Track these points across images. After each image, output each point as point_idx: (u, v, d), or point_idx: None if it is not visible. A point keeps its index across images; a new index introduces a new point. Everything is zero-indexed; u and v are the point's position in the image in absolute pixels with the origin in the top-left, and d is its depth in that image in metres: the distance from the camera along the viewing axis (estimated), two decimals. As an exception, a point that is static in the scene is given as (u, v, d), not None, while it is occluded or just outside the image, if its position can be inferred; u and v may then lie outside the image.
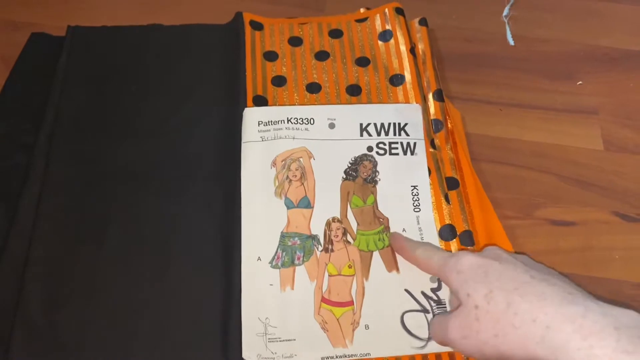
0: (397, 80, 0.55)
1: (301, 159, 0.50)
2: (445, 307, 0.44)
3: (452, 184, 0.50)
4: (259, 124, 0.51)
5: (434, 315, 0.44)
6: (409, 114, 0.53)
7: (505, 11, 0.63)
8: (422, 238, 0.47)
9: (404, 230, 0.47)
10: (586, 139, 0.56)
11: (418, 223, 0.48)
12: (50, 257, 0.46)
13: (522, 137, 0.56)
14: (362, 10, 0.60)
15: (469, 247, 0.47)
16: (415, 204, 0.48)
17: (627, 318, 0.31)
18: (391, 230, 0.47)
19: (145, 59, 0.57)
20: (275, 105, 0.53)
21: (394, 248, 0.46)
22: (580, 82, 0.59)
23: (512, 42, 0.61)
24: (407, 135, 0.51)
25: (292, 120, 0.52)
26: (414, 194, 0.49)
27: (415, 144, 0.51)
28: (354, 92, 0.54)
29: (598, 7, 0.64)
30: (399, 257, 0.46)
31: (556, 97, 0.58)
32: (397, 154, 0.51)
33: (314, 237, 0.47)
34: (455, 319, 0.37)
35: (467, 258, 0.38)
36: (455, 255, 0.39)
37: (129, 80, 0.55)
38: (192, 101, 0.54)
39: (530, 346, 0.33)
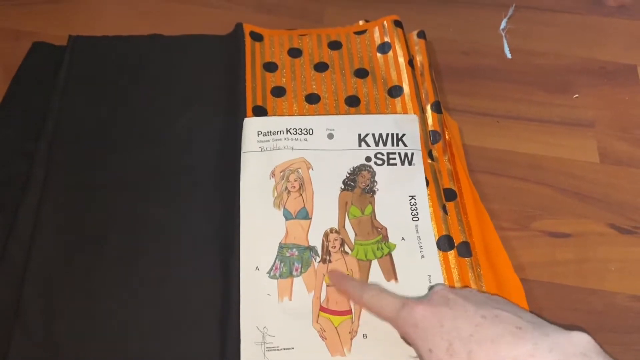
0: (395, 92, 0.55)
1: (300, 170, 0.50)
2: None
3: (449, 195, 0.51)
4: (258, 134, 0.52)
5: None
6: (407, 124, 0.53)
7: (503, 24, 0.64)
8: (421, 247, 0.47)
9: (402, 239, 0.48)
10: (582, 152, 0.56)
11: (417, 232, 0.48)
12: (49, 265, 0.46)
13: (519, 149, 0.56)
14: (361, 22, 0.61)
15: (466, 258, 0.47)
16: (413, 213, 0.49)
17: (573, 348, 0.33)
18: (390, 240, 0.48)
19: (146, 69, 0.57)
20: (275, 115, 0.54)
21: (336, 289, 0.45)
22: (576, 95, 0.60)
23: (509, 55, 0.62)
24: (405, 145, 0.52)
25: (291, 131, 0.52)
26: (412, 203, 0.49)
27: (412, 154, 0.51)
28: (353, 103, 0.55)
29: (594, 21, 0.65)
30: (397, 266, 0.47)
31: (552, 110, 0.59)
32: (395, 164, 0.51)
33: (311, 249, 0.47)
34: None
35: (419, 310, 0.38)
36: (406, 307, 0.39)
37: (129, 89, 0.56)
38: (191, 111, 0.54)
39: None
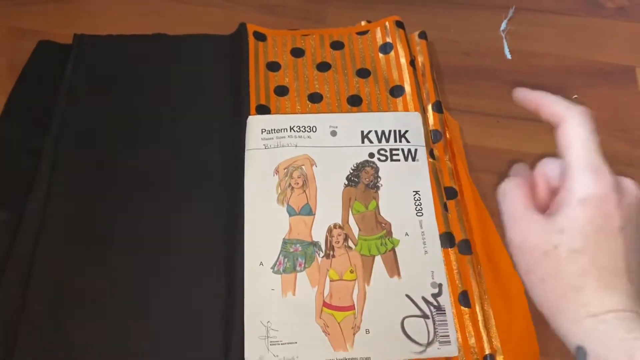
0: (397, 91, 0.56)
1: (303, 167, 0.51)
2: (445, 313, 0.45)
3: (450, 193, 0.51)
4: (262, 132, 0.52)
5: (433, 321, 0.45)
6: (409, 121, 0.54)
7: (503, 26, 0.65)
8: (424, 242, 0.48)
9: (406, 234, 0.48)
10: (581, 151, 0.57)
11: (421, 227, 0.49)
12: (55, 260, 0.47)
13: (519, 148, 0.57)
14: (363, 23, 0.61)
15: (466, 255, 0.48)
16: (417, 209, 0.49)
17: None
18: (394, 236, 0.48)
19: (151, 68, 0.58)
20: (278, 114, 0.54)
21: (526, 97, 0.39)
22: (575, 96, 0.60)
23: (509, 56, 0.63)
24: (408, 142, 0.53)
25: (295, 129, 0.53)
26: (416, 199, 0.50)
27: (416, 150, 0.52)
28: (355, 102, 0.56)
29: (593, 23, 0.66)
30: (400, 262, 0.47)
31: (552, 110, 0.59)
32: (399, 160, 0.52)
33: (315, 244, 0.48)
34: (534, 228, 0.33)
35: (603, 198, 0.32)
36: (597, 179, 0.32)
37: (134, 88, 0.56)
38: (196, 109, 0.55)
39: (564, 320, 0.32)
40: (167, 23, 0.62)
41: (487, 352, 0.44)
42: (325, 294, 0.46)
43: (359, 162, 0.52)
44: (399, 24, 0.60)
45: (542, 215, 0.34)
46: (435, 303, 0.46)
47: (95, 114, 0.54)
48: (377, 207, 0.50)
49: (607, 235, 0.32)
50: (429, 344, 0.44)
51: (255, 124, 0.53)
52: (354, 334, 0.44)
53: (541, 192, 0.36)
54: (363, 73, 0.57)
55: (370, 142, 0.53)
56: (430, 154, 0.52)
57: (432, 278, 0.47)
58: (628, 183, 0.34)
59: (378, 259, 0.47)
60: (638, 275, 0.32)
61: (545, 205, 0.35)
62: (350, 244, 0.48)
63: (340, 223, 0.49)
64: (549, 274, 0.33)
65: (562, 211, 0.33)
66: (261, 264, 0.47)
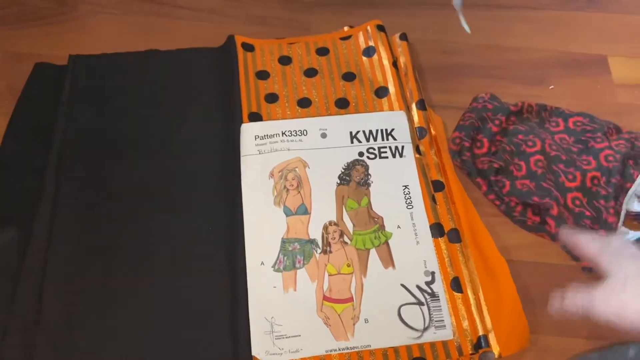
0: (382, 92, 0.59)
1: (297, 169, 0.53)
2: (438, 299, 0.48)
3: (437, 186, 0.54)
4: (255, 138, 0.55)
5: (428, 307, 0.47)
6: (395, 120, 0.56)
7: (458, 1, 0.63)
8: (416, 233, 0.51)
9: (398, 227, 0.51)
10: (560, 139, 0.59)
11: (412, 219, 0.51)
12: (65, 273, 0.49)
13: (501, 139, 0.59)
14: (345, 28, 0.64)
15: (456, 244, 0.51)
16: (407, 202, 0.52)
17: None
18: (387, 229, 0.51)
19: (145, 83, 0.60)
20: (270, 120, 0.57)
21: (569, 244, 0.45)
22: (552, 87, 0.63)
23: (468, 30, 0.61)
24: (395, 139, 0.55)
25: (287, 133, 0.55)
26: (405, 192, 0.52)
27: (403, 147, 0.55)
28: (343, 105, 0.58)
29: (565, 16, 0.69)
30: (394, 253, 0.50)
31: (530, 101, 0.62)
32: (387, 157, 0.54)
33: (312, 241, 0.50)
34: (603, 289, 0.40)
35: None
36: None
37: (131, 103, 0.59)
38: (191, 120, 0.57)
39: None
40: (159, 39, 0.64)
41: (481, 333, 0.47)
42: (325, 288, 0.48)
43: (349, 161, 0.54)
44: (380, 28, 0.62)
45: None
46: (429, 290, 0.48)
47: (94, 130, 0.57)
48: (369, 202, 0.52)
49: None
50: (425, 329, 0.47)
51: (249, 131, 0.55)
52: (354, 324, 0.47)
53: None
54: (348, 76, 0.60)
55: (359, 141, 0.55)
56: (417, 149, 0.55)
57: (425, 267, 0.49)
58: None
59: (373, 252, 0.50)
60: None
61: None
62: (346, 239, 0.50)
63: (335, 220, 0.51)
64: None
65: (605, 264, 0.40)
66: (262, 263, 0.49)
